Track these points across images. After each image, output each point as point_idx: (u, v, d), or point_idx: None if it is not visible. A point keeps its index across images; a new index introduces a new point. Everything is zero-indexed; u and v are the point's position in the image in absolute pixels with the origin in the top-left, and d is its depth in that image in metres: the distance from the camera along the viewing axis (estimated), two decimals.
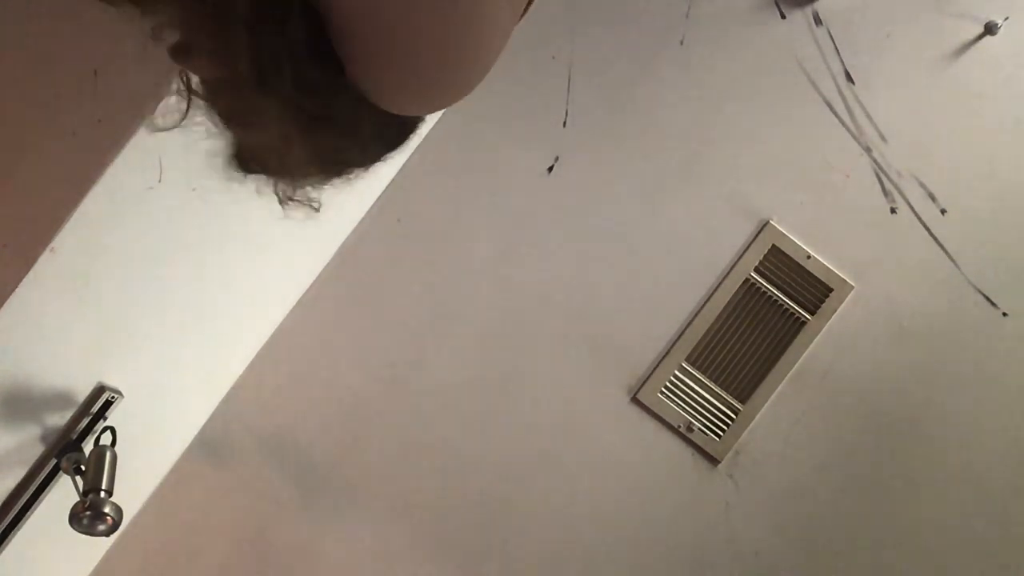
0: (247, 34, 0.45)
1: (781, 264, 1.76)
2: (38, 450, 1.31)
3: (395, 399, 1.78)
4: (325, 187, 0.58)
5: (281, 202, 0.60)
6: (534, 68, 1.77)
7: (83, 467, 1.29)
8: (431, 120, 1.75)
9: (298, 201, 0.60)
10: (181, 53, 0.49)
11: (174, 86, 0.52)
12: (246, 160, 0.56)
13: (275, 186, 0.58)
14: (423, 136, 1.75)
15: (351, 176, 0.58)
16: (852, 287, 1.76)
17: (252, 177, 0.57)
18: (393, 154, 0.59)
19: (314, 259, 1.76)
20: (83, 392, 1.31)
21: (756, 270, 1.76)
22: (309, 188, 0.58)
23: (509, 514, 1.77)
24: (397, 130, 0.57)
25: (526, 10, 0.57)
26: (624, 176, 1.78)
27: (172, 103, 0.52)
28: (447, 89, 0.53)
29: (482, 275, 1.78)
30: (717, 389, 1.77)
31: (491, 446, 1.77)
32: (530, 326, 1.78)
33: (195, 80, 0.52)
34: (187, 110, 0.52)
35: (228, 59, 0.47)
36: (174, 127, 0.53)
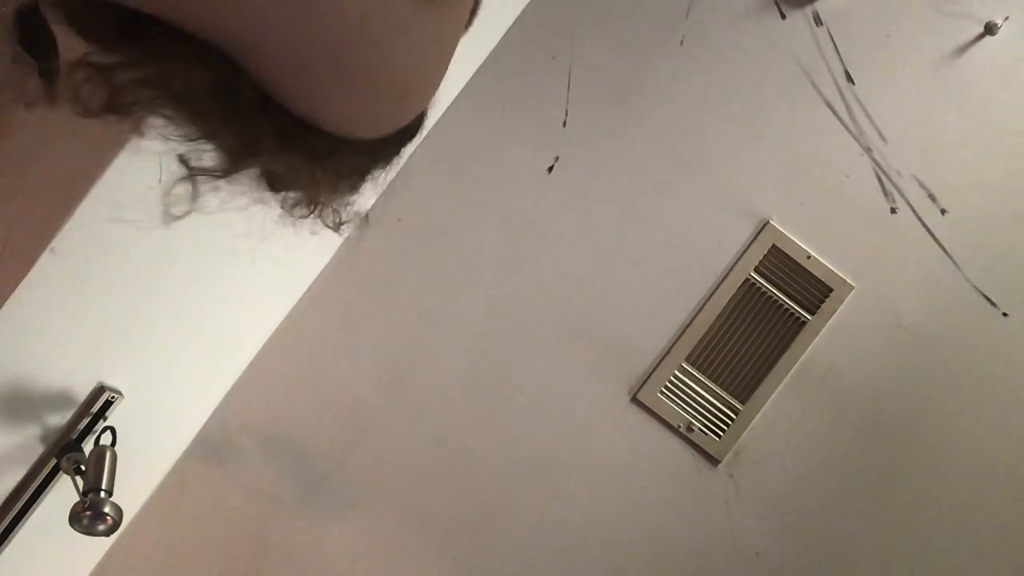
0: (228, 118, 0.47)
1: (781, 264, 1.76)
2: (38, 450, 1.31)
3: (395, 399, 1.78)
4: (357, 196, 0.59)
5: (334, 228, 0.61)
6: (534, 68, 1.78)
7: (83, 467, 1.29)
8: (432, 119, 1.74)
9: (349, 221, 0.61)
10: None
11: (174, 173, 0.53)
12: (275, 184, 0.57)
13: (321, 215, 0.59)
14: (424, 136, 1.75)
15: (377, 176, 0.59)
16: (852, 287, 1.76)
17: (291, 205, 0.58)
18: (409, 145, 0.59)
19: (314, 258, 1.76)
20: (83, 392, 1.31)
21: (756, 270, 1.76)
22: (349, 203, 0.59)
23: (509, 514, 1.77)
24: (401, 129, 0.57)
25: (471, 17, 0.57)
26: (624, 176, 1.78)
27: (180, 191, 0.53)
28: (396, 106, 0.52)
29: (482, 275, 1.78)
30: (717, 389, 1.77)
31: (491, 446, 1.77)
32: (530, 326, 1.78)
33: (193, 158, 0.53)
34: (197, 191, 0.53)
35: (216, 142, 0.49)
36: (192, 212, 0.54)
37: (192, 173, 0.51)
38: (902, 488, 1.76)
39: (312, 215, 0.58)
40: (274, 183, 0.55)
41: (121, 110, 0.47)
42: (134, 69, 0.45)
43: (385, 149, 0.57)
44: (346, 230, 0.61)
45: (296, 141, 0.50)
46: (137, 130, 0.50)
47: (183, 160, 0.51)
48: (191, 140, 0.50)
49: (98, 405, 1.32)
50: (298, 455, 1.77)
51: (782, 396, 1.76)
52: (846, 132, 1.76)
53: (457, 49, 0.54)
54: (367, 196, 0.61)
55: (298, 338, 1.77)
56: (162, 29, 0.44)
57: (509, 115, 1.78)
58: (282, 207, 0.57)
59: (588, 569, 1.76)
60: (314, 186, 0.55)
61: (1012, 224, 1.76)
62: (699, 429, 1.76)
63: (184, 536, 1.75)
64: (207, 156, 0.51)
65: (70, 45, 0.46)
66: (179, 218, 0.53)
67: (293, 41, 0.45)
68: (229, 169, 0.51)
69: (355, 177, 0.57)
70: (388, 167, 0.59)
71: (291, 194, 0.56)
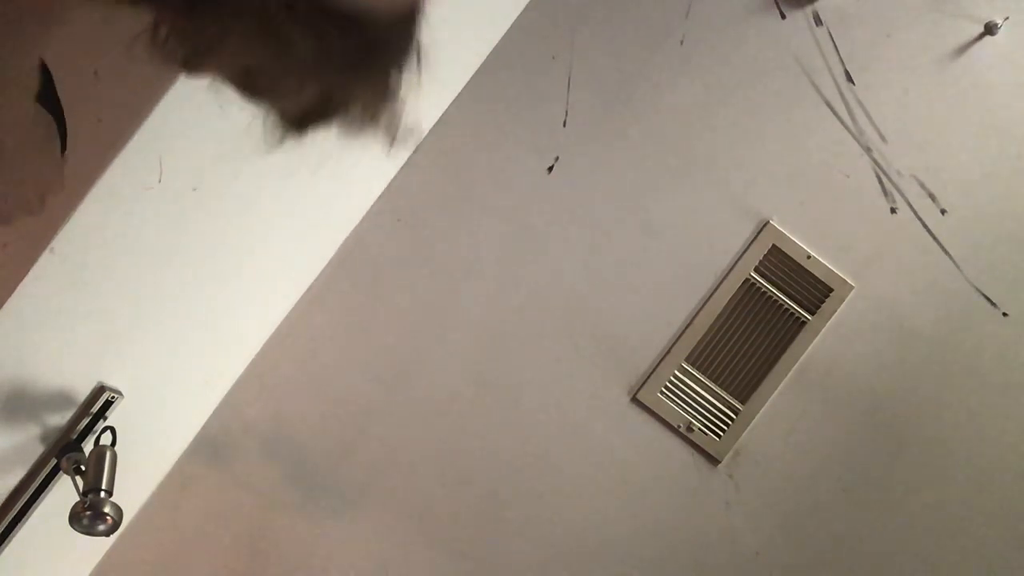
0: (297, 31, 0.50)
1: (781, 264, 1.76)
2: (38, 450, 1.31)
3: (395, 399, 1.78)
4: (405, 94, 0.62)
5: (393, 137, 0.64)
6: (534, 68, 1.77)
7: (83, 467, 1.29)
8: (432, 120, 1.74)
9: (403, 132, 0.65)
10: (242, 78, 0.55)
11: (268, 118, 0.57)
12: (315, 115, 0.60)
13: (380, 124, 0.62)
14: (424, 136, 1.75)
15: (413, 68, 0.62)
16: (852, 287, 1.76)
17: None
18: (421, 29, 0.62)
19: (314, 259, 1.76)
20: (83, 392, 1.31)
21: (756, 270, 1.76)
22: (402, 105, 0.63)
23: (509, 514, 1.77)
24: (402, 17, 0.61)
25: None
26: (624, 176, 1.78)
27: (260, 127, 0.57)
28: None
29: (482, 275, 1.78)
30: (717, 389, 1.77)
31: (491, 446, 1.77)
32: (530, 326, 1.78)
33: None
34: (288, 116, 0.58)
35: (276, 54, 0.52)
36: (287, 139, 0.59)
37: (281, 101, 0.56)
38: (902, 487, 1.76)
39: (373, 125, 0.61)
40: (337, 104, 0.58)
41: (209, 52, 0.50)
42: (207, 6, 0.47)
43: (408, 35, 0.60)
44: (402, 139, 0.66)
45: (356, 40, 0.53)
46: (229, 78, 0.53)
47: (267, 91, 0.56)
48: (271, 64, 0.53)
49: (98, 405, 1.32)
50: (298, 455, 1.77)
51: (782, 396, 1.76)
52: (846, 132, 1.76)
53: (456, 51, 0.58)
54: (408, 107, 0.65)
55: (298, 338, 1.77)
56: None
57: (509, 115, 1.78)
58: (343, 128, 0.60)
59: (588, 568, 1.76)
60: (374, 89, 0.59)
61: (1012, 224, 1.76)
62: (699, 429, 1.76)
63: (184, 536, 1.75)
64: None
65: (137, 15, 0.48)
66: (279, 145, 0.58)
67: None
68: (307, 82, 0.55)
69: (398, 70, 0.61)
70: (420, 57, 0.62)
71: (353, 110, 0.59)
